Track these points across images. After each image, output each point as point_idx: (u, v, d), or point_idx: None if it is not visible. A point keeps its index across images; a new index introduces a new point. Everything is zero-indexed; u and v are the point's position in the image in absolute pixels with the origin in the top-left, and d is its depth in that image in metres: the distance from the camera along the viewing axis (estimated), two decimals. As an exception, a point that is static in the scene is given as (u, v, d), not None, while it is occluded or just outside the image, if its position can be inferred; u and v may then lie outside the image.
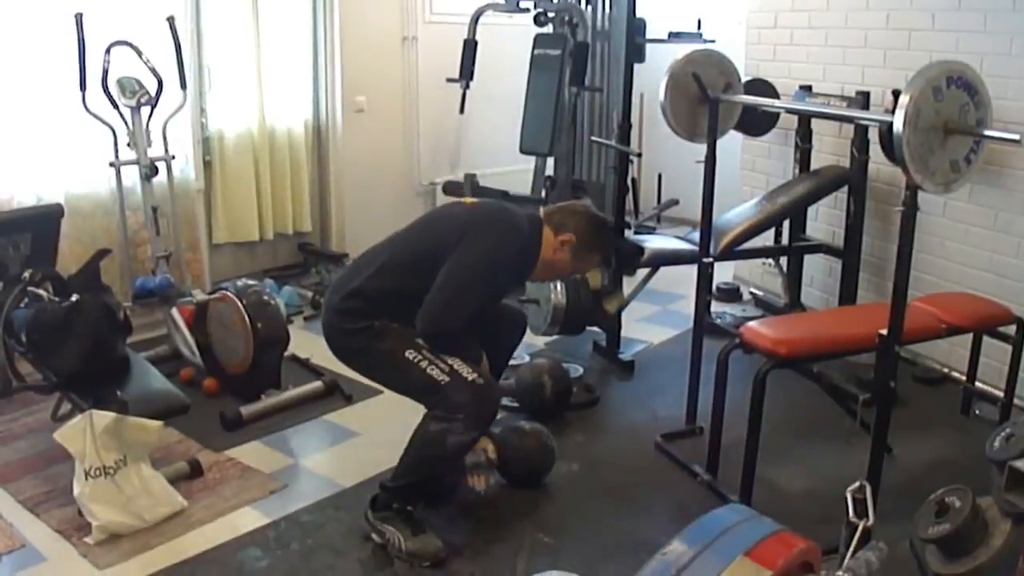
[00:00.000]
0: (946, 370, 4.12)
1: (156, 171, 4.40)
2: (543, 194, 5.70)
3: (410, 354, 2.86)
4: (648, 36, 5.81)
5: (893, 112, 2.52)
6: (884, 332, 2.75)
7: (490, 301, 3.10)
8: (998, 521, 2.45)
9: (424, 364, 2.84)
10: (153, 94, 4.34)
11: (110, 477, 2.94)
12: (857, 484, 2.23)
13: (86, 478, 2.90)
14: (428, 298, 2.84)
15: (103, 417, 2.92)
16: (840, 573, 2.04)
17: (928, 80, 2.48)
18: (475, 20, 5.76)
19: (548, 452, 3.37)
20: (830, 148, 4.90)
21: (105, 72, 4.17)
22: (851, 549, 2.16)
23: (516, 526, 3.06)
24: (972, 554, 2.43)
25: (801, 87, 4.83)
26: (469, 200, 3.18)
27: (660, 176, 7.27)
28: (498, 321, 3.27)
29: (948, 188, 2.64)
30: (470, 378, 2.82)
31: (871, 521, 2.17)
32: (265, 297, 4.00)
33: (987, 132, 2.58)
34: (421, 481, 2.92)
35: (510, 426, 3.41)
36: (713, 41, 6.04)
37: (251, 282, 4.14)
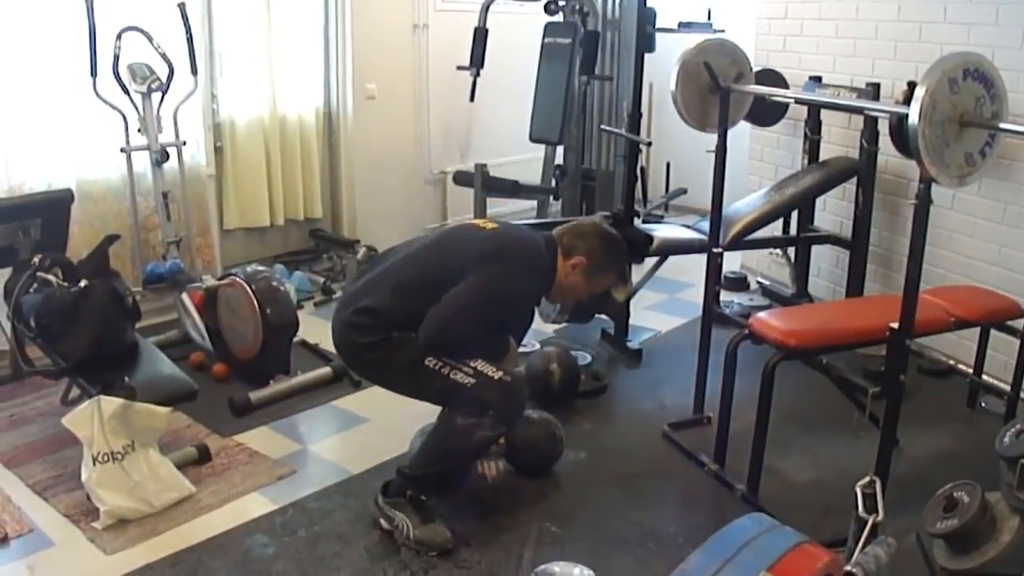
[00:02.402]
0: (952, 362, 4.06)
1: (167, 157, 4.36)
2: (553, 183, 5.66)
3: (431, 362, 2.77)
4: (658, 25, 5.74)
5: (907, 104, 2.46)
6: (895, 325, 2.70)
7: (502, 326, 3.00)
8: (1006, 517, 2.41)
9: (447, 371, 2.76)
10: (164, 80, 4.31)
11: (118, 462, 2.91)
12: (866, 479, 2.19)
13: (94, 463, 2.87)
14: (432, 312, 2.74)
15: (111, 403, 2.89)
16: (849, 568, 2.00)
17: (945, 72, 2.42)
18: (486, 8, 5.70)
19: (556, 442, 3.33)
20: (839, 139, 4.84)
21: (116, 58, 4.12)
22: (860, 544, 2.12)
23: (523, 515, 3.02)
24: (980, 549, 2.40)
25: (811, 78, 4.76)
26: (489, 225, 3.07)
27: (668, 165, 7.21)
28: None
29: (963, 181, 2.58)
30: (496, 376, 2.76)
31: (880, 516, 2.13)
32: (274, 283, 3.97)
33: (1003, 125, 2.52)
34: (441, 473, 2.87)
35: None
36: (723, 31, 5.96)
37: (261, 268, 4.12)
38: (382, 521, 2.89)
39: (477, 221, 3.14)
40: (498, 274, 2.82)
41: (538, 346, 4.36)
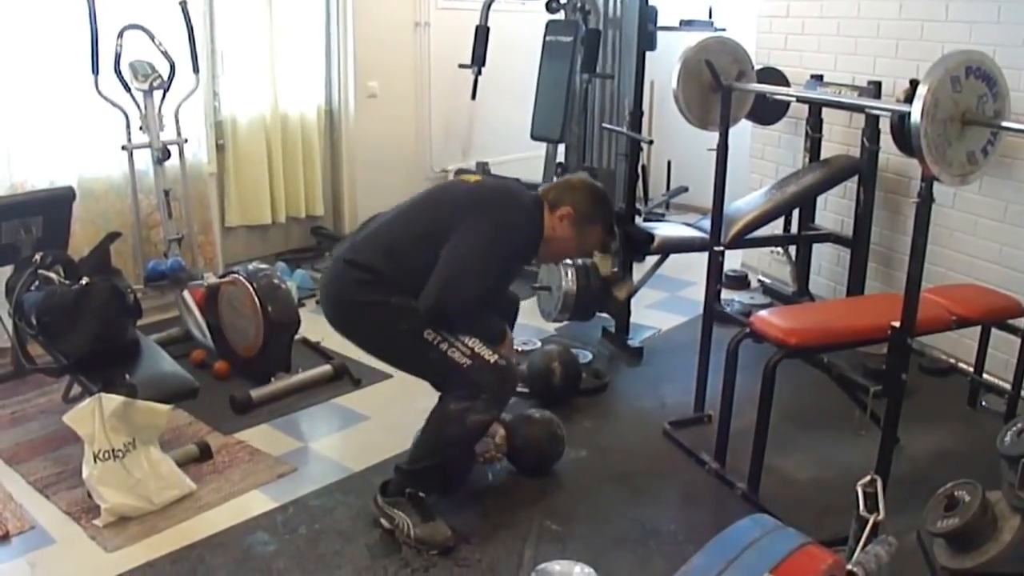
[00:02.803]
0: (953, 361, 4.06)
1: (168, 154, 4.35)
2: (554, 181, 5.63)
3: (428, 334, 2.77)
4: (659, 24, 5.73)
5: (908, 102, 2.45)
6: (896, 324, 2.69)
7: (498, 282, 2.99)
8: (1007, 516, 2.40)
9: (444, 346, 2.76)
10: (166, 78, 4.29)
11: (119, 460, 2.90)
12: (867, 478, 2.18)
13: (95, 461, 2.86)
14: (430, 280, 2.75)
15: (112, 400, 2.88)
16: (850, 567, 1.99)
17: (947, 70, 2.40)
18: (487, 6, 5.70)
19: (557, 441, 3.31)
20: (840, 137, 4.82)
21: (118, 56, 4.12)
22: (861, 543, 2.11)
23: (524, 513, 3.01)
24: (981, 549, 2.39)
25: (812, 76, 4.75)
26: (473, 178, 3.08)
27: (669, 163, 7.20)
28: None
29: (965, 180, 2.57)
30: (492, 360, 2.76)
31: (882, 516, 2.13)
32: (276, 280, 3.96)
33: (1005, 124, 2.50)
34: (438, 465, 2.86)
35: (520, 414, 3.36)
36: (724, 29, 5.96)
37: (262, 265, 4.12)
38: (382, 521, 2.88)
39: (463, 176, 3.11)
40: (488, 224, 2.82)
41: (539, 344, 4.36)
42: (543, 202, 3.00)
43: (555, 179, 5.45)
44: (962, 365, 3.97)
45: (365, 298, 2.84)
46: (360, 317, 2.91)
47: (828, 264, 5.06)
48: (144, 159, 4.42)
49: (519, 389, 3.87)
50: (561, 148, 5.82)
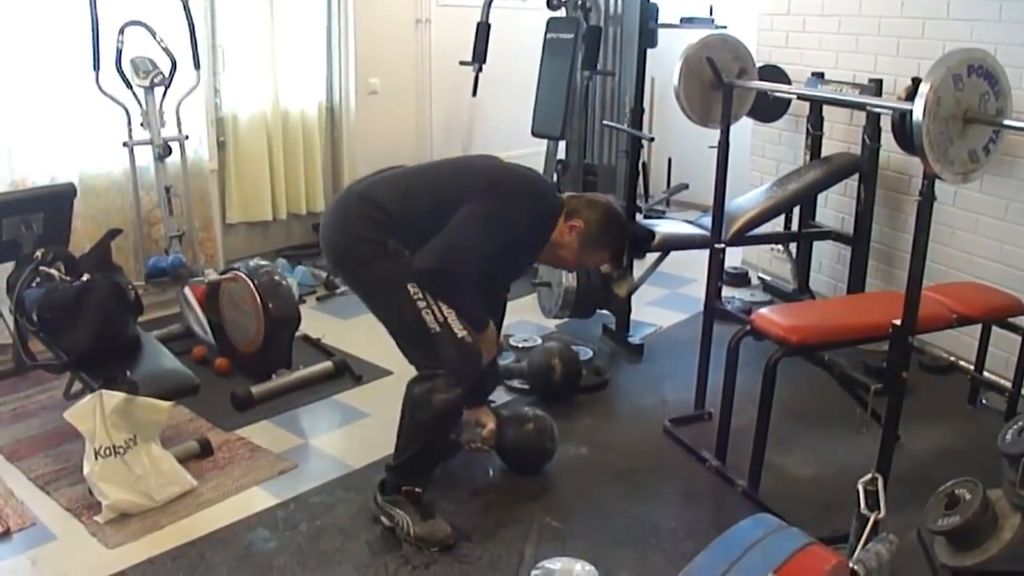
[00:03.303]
0: (953, 359, 4.05)
1: (169, 151, 4.35)
2: (554, 178, 5.64)
3: (412, 288, 2.74)
4: (660, 21, 5.72)
5: (910, 100, 2.44)
6: (897, 322, 2.68)
7: (497, 266, 2.96)
8: (1008, 514, 2.40)
9: (421, 305, 2.74)
10: (167, 74, 4.28)
11: (120, 456, 2.90)
12: (869, 476, 2.18)
13: (96, 457, 2.86)
14: (433, 242, 2.74)
15: (113, 397, 2.88)
16: (851, 565, 1.99)
17: (949, 68, 2.40)
18: (488, 3, 5.68)
19: (547, 440, 3.27)
20: (841, 135, 4.81)
21: (119, 52, 4.10)
22: (861, 541, 2.11)
23: (525, 510, 3.01)
24: (981, 547, 2.39)
25: (813, 74, 4.73)
26: (506, 160, 3.05)
27: (670, 160, 7.18)
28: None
29: (966, 178, 2.56)
30: (460, 334, 2.75)
31: (883, 513, 2.12)
32: (276, 277, 3.96)
33: (1007, 122, 2.50)
34: (421, 453, 2.85)
35: (514, 413, 3.35)
36: (725, 27, 5.93)
37: (263, 262, 4.11)
38: (383, 519, 2.88)
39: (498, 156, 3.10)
40: (502, 206, 2.81)
41: (539, 341, 4.36)
42: (563, 207, 2.99)
43: (555, 176, 5.46)
44: (963, 363, 3.97)
45: (364, 233, 2.82)
46: (354, 250, 2.88)
47: (829, 262, 5.05)
48: (145, 156, 4.41)
49: (519, 385, 3.90)
50: (562, 145, 5.81)
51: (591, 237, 2.98)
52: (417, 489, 2.84)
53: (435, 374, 2.74)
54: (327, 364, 4.06)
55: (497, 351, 3.26)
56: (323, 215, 3.02)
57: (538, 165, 5.69)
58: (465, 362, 2.78)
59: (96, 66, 4.08)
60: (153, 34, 4.22)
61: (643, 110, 4.43)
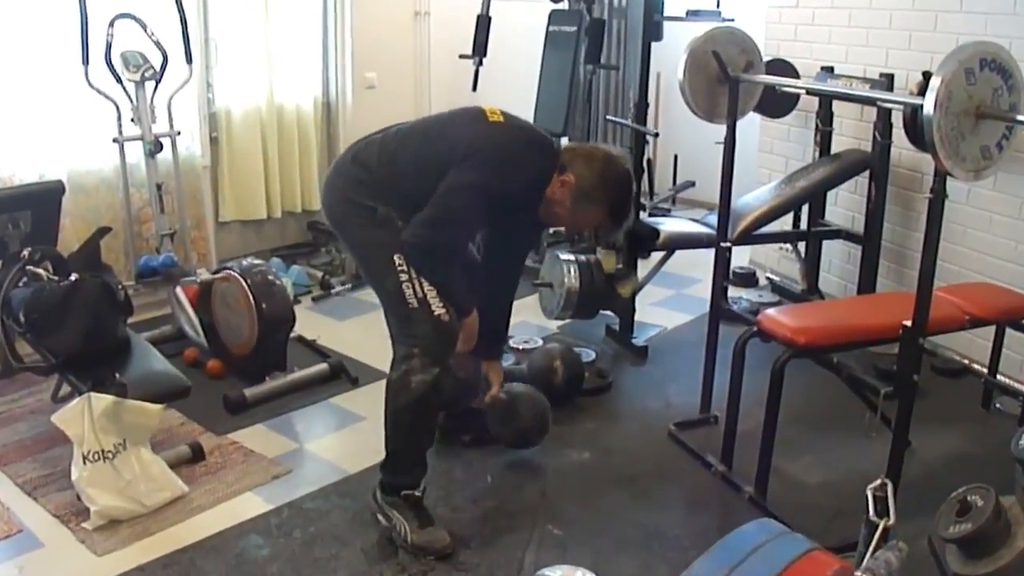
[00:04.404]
0: (966, 361, 4.03)
1: (161, 147, 4.36)
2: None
3: (398, 259, 2.75)
4: (666, 13, 5.72)
5: (921, 95, 2.44)
6: (908, 323, 2.68)
7: (499, 227, 3.01)
8: (1022, 521, 2.39)
9: (403, 278, 2.75)
10: (158, 68, 4.29)
11: (109, 461, 2.90)
12: (878, 482, 2.17)
13: (84, 462, 2.86)
14: (422, 215, 2.74)
15: (101, 400, 2.88)
16: (859, 573, 1.99)
17: (961, 62, 2.40)
18: (489, -5, 5.68)
19: (539, 409, 3.37)
20: (851, 131, 4.82)
21: (108, 46, 4.11)
22: (871, 549, 2.11)
23: (525, 517, 3.01)
24: (994, 555, 2.37)
25: (823, 68, 4.74)
26: (495, 116, 2.97)
27: (676, 157, 7.19)
28: None
29: (979, 175, 2.56)
30: (437, 312, 2.75)
31: (892, 520, 2.12)
32: (270, 277, 3.97)
33: (1021, 117, 2.49)
34: (409, 441, 2.85)
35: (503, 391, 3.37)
36: (732, 20, 5.93)
37: (256, 261, 4.12)
38: (380, 517, 2.88)
39: (486, 109, 3.01)
40: (481, 172, 2.78)
41: (541, 342, 4.36)
42: (559, 158, 2.93)
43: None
44: (975, 366, 3.96)
45: (355, 198, 2.85)
46: (347, 214, 2.91)
47: (838, 261, 5.05)
48: (136, 152, 4.42)
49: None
50: (564, 141, 5.80)
51: (582, 193, 2.88)
52: (416, 493, 2.84)
53: (410, 354, 2.75)
54: (322, 366, 4.06)
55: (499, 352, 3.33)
56: (324, 178, 3.07)
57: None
58: (439, 339, 2.77)
59: (85, 60, 4.09)
60: (144, 27, 4.23)
61: (648, 105, 4.44)
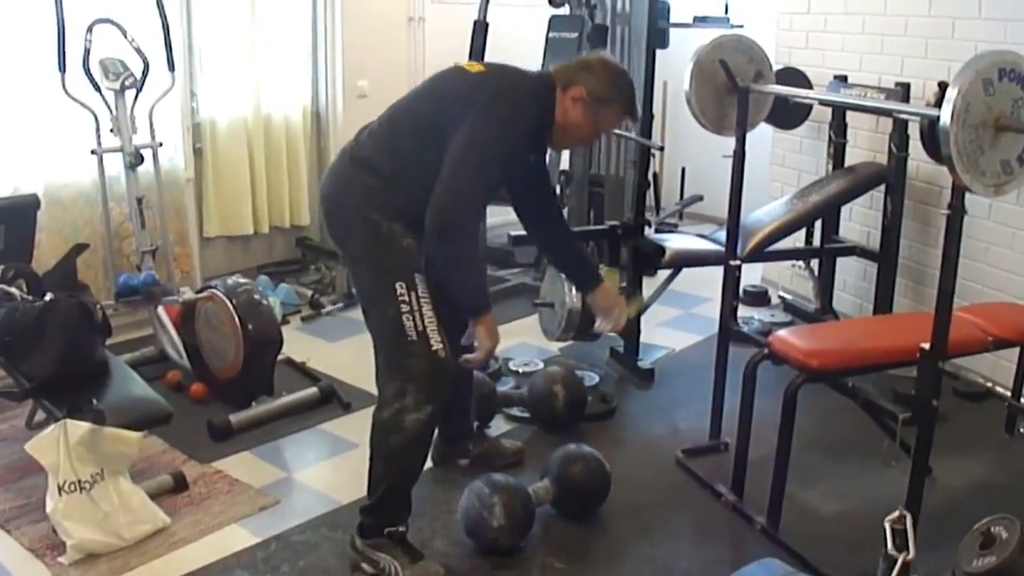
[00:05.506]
0: (990, 385, 4.04)
1: (142, 159, 4.36)
2: (557, 189, 5.64)
3: (400, 287, 2.74)
4: (672, 20, 5.75)
5: (938, 106, 2.45)
6: (926, 346, 2.69)
7: (508, 175, 2.98)
8: (1049, 554, 2.39)
9: (404, 308, 2.73)
10: (139, 76, 4.30)
11: (86, 492, 2.90)
12: (896, 514, 2.18)
13: (60, 493, 2.86)
14: (436, 191, 2.71)
15: (78, 427, 2.87)
16: (877, 610, 1.99)
17: (978, 72, 2.41)
18: (486, 0, 5.70)
19: (603, 477, 3.26)
20: (866, 143, 4.83)
21: (87, 52, 4.12)
22: (889, 584, 2.11)
23: (526, 550, 3.01)
24: (1020, 590, 2.38)
25: (836, 77, 4.76)
26: (475, 67, 3.03)
27: (683, 170, 7.21)
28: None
29: (999, 191, 2.56)
30: (435, 347, 2.74)
31: (912, 554, 2.12)
32: (256, 296, 3.96)
33: (1043, 130, 2.51)
34: (398, 483, 2.82)
35: (563, 452, 3.28)
36: (741, 26, 5.97)
37: (242, 280, 4.11)
38: (364, 566, 2.83)
39: (464, 64, 3.08)
40: (492, 120, 2.78)
41: (541, 365, 4.36)
42: (555, 84, 2.93)
43: (558, 187, 5.47)
44: (999, 389, 3.96)
45: (363, 211, 2.81)
46: (350, 228, 2.87)
47: (853, 279, 5.06)
48: (115, 164, 4.43)
49: (519, 413, 3.89)
50: (565, 154, 5.82)
51: (596, 98, 2.90)
52: (401, 528, 2.82)
53: (403, 390, 2.73)
54: (312, 390, 4.06)
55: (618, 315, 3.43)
56: (322, 183, 3.03)
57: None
58: (434, 377, 2.76)
59: (62, 67, 4.10)
60: (124, 33, 4.25)
61: (653, 116, 4.45)
